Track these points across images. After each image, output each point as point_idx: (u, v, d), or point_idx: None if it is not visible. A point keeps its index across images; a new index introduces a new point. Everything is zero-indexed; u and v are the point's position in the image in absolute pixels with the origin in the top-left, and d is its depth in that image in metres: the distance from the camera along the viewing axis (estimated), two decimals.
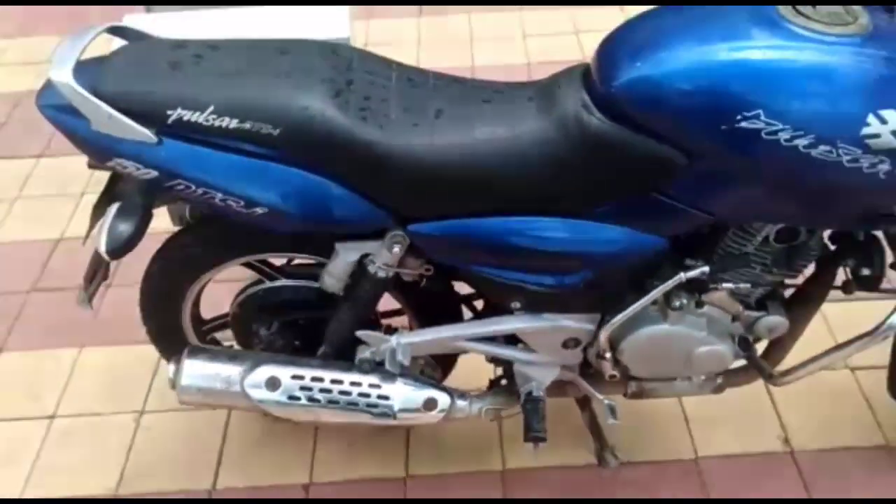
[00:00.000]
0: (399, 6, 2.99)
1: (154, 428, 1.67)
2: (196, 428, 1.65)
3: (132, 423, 1.68)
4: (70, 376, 1.78)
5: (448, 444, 1.60)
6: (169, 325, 1.39)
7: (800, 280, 1.27)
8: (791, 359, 1.37)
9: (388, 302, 1.34)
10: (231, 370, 1.22)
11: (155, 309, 1.38)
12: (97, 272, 1.29)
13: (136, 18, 1.36)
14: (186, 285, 1.33)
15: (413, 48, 2.79)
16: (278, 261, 1.38)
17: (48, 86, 1.03)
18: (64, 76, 0.98)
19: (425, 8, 3.01)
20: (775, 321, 1.23)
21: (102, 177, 1.90)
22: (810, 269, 1.25)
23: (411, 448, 1.60)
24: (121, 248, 1.05)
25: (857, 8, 0.97)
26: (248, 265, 1.34)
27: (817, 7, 0.96)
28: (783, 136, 0.93)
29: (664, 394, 1.40)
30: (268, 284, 1.35)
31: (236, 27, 1.22)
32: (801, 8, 0.96)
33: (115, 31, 1.11)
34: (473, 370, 1.49)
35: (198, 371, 1.22)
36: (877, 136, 0.93)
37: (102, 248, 1.05)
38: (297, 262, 1.39)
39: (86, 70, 1.01)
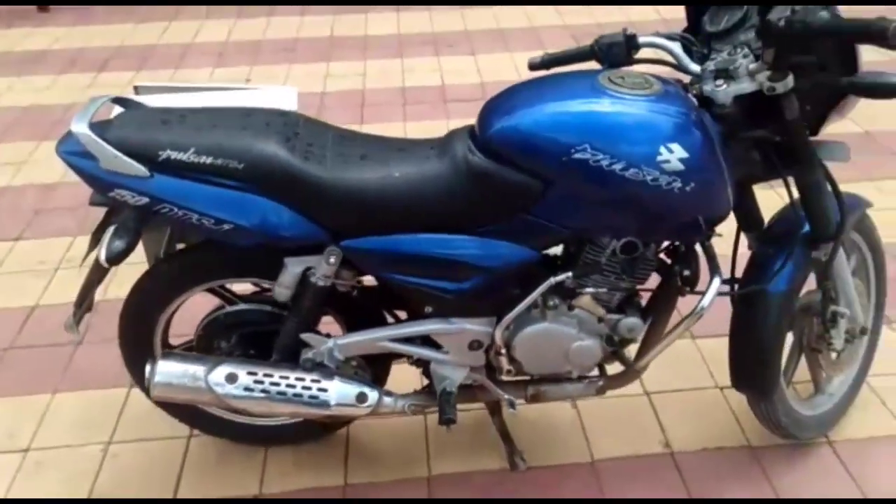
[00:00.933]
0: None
1: (121, 455, 1.87)
2: (160, 453, 1.87)
3: (100, 453, 1.88)
4: (43, 417, 1.98)
5: (381, 456, 1.85)
6: (143, 349, 1.65)
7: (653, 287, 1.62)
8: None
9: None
10: (197, 369, 1.49)
11: (132, 334, 1.64)
12: (85, 300, 1.58)
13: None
14: (160, 310, 1.61)
15: None
16: (237, 290, 1.68)
17: (67, 136, 1.36)
18: (82, 128, 1.32)
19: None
20: (632, 322, 1.56)
21: (74, 254, 2.23)
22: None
23: (349, 460, 1.84)
24: (116, 257, 1.36)
25: (652, 78, 1.40)
26: (211, 291, 1.64)
27: (625, 77, 1.38)
28: (604, 162, 1.32)
29: (557, 396, 1.70)
30: (228, 308, 1.64)
31: (209, 105, 1.59)
32: (613, 79, 1.38)
33: (118, 100, 1.47)
34: (404, 382, 1.77)
35: (169, 370, 1.49)
36: (667, 161, 1.32)
37: (102, 258, 1.35)
38: (251, 291, 1.69)
39: (96, 126, 1.35)
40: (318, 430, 1.82)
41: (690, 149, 1.33)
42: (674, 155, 1.32)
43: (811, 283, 1.67)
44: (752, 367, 1.64)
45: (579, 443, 1.88)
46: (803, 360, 1.81)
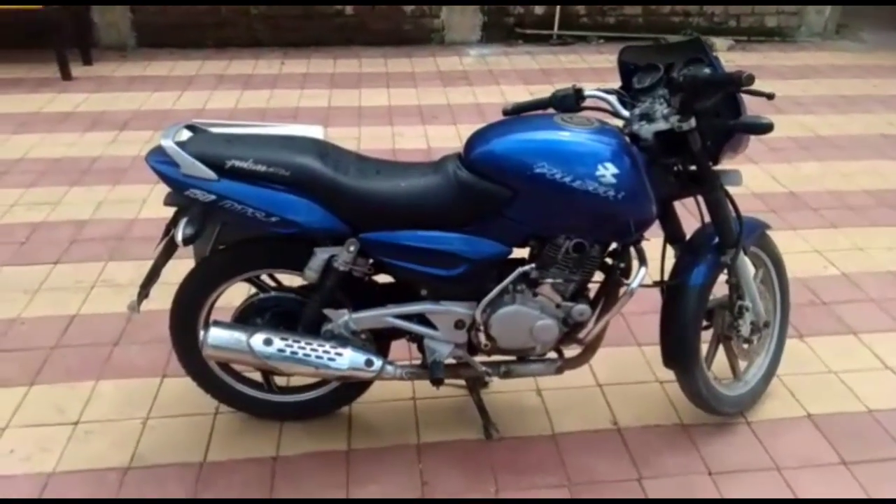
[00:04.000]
0: None
1: (158, 428, 2.22)
2: (191, 425, 2.22)
3: (140, 425, 2.23)
4: (89, 398, 2.33)
5: (378, 427, 2.23)
6: (189, 328, 2.03)
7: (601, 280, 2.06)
8: None
9: None
10: (241, 334, 1.89)
11: (182, 315, 2.03)
12: (152, 280, 1.98)
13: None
14: (207, 295, 2.01)
15: None
16: (269, 281, 2.09)
17: (156, 150, 1.80)
18: (169, 143, 1.77)
19: None
20: (582, 308, 1.99)
21: (107, 277, 2.60)
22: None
23: (352, 430, 2.21)
24: (188, 239, 1.78)
25: (593, 119, 1.89)
26: (248, 281, 2.05)
27: (573, 118, 1.88)
28: (557, 175, 1.79)
29: (524, 373, 2.11)
30: (262, 295, 2.05)
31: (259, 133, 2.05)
32: (564, 118, 1.87)
33: (190, 127, 1.92)
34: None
35: (219, 335, 1.89)
36: (603, 175, 1.79)
37: (178, 238, 1.77)
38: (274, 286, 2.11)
39: (178, 143, 1.80)
40: (342, 399, 2.21)
41: (620, 167, 1.80)
42: (608, 171, 1.79)
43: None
44: (676, 345, 2.07)
45: (543, 419, 2.28)
46: (721, 351, 2.24)
